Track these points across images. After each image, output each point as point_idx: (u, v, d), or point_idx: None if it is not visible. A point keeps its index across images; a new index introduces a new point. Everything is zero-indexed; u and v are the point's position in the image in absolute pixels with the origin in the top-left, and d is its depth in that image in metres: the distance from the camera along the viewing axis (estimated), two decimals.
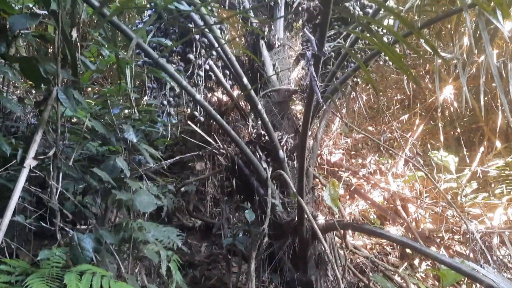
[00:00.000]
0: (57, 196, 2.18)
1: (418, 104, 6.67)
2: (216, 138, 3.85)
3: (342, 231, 3.92)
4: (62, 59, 2.24)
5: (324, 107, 3.73)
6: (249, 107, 3.80)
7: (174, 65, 3.40)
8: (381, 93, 6.61)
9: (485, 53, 2.56)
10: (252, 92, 3.27)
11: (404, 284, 4.03)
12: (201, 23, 3.14)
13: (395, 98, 6.98)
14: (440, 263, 2.76)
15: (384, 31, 3.38)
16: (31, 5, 2.57)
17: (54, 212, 2.18)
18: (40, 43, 3.27)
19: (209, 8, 3.51)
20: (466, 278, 3.80)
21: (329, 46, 3.48)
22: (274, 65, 3.86)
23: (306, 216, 3.02)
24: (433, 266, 4.64)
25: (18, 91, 4.08)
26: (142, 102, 3.49)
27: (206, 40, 3.48)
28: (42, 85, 2.33)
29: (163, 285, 2.72)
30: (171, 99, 3.50)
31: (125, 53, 2.54)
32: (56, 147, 2.22)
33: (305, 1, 3.93)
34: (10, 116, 3.23)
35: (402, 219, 5.14)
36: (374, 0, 3.00)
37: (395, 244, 5.03)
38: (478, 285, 2.68)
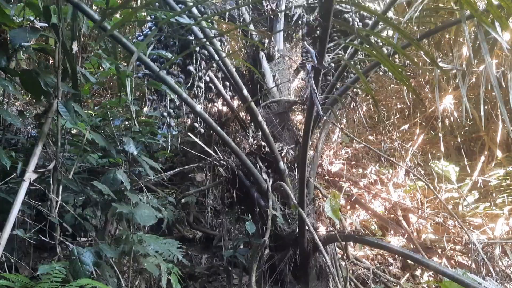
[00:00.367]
0: (57, 210, 2.17)
1: (418, 114, 6.66)
2: (217, 149, 3.84)
3: (343, 243, 3.90)
4: (62, 72, 2.25)
5: (325, 118, 3.73)
6: (250, 118, 3.80)
7: (174, 77, 3.41)
8: (381, 103, 6.61)
9: (485, 64, 2.56)
10: (252, 103, 3.27)
11: None
12: (201, 35, 3.15)
13: (395, 107, 6.97)
14: (442, 275, 2.74)
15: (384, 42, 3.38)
16: (32, 18, 2.58)
17: (54, 225, 2.18)
18: (40, 55, 3.29)
19: (209, 21, 3.53)
20: None
21: (329, 57, 3.49)
22: (274, 76, 3.87)
23: (307, 227, 3.00)
24: (435, 277, 4.60)
25: (18, 103, 4.09)
26: (142, 113, 3.49)
27: (206, 52, 3.49)
28: (43, 97, 2.34)
29: None
30: (171, 110, 3.50)
31: (125, 64, 2.54)
32: (56, 160, 2.22)
33: (304, 14, 3.95)
34: (10, 128, 3.24)
35: (404, 229, 5.12)
36: (373, 12, 3.02)
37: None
38: None
